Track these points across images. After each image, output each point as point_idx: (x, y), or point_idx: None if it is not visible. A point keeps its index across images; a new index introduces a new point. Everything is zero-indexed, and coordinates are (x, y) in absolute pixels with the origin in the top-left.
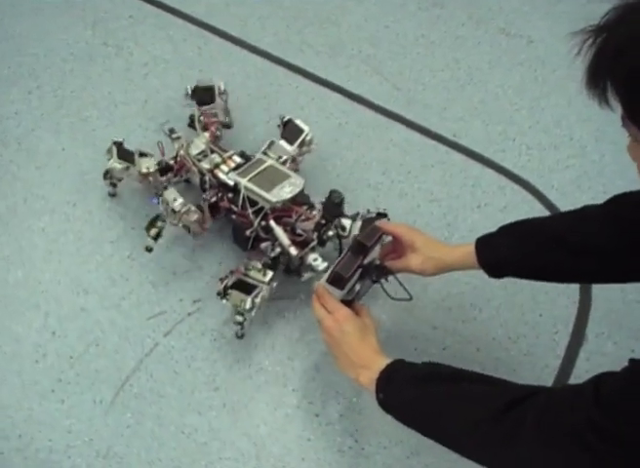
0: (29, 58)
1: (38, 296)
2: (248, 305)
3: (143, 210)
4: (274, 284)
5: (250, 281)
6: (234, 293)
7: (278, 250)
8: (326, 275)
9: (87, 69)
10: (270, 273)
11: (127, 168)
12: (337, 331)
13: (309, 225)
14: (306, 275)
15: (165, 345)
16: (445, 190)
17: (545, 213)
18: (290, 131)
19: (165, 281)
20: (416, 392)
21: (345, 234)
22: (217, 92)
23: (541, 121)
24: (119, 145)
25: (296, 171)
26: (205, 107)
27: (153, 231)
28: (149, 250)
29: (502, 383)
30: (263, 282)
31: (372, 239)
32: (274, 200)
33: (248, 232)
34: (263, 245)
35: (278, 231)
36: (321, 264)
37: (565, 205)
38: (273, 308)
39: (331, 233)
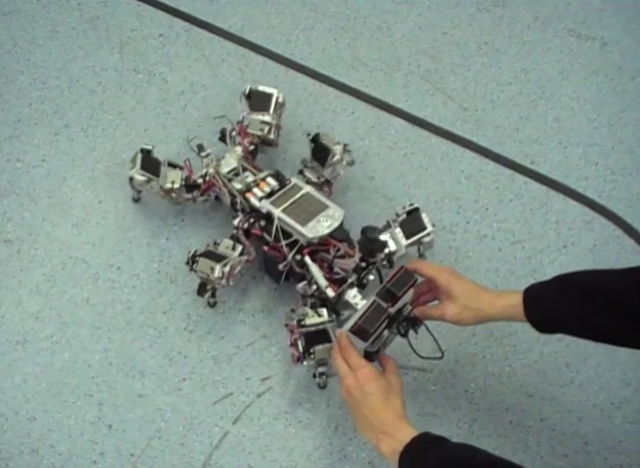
0: (52, 93)
1: (89, 382)
2: None
3: None
4: (334, 315)
5: (316, 329)
6: (319, 349)
7: (314, 287)
8: (349, 322)
9: (118, 102)
10: (324, 310)
11: (148, 180)
12: (358, 392)
13: (349, 263)
14: (346, 313)
15: (235, 434)
16: (527, 229)
17: (639, 250)
18: (318, 148)
19: (228, 356)
20: None
21: (394, 250)
22: (274, 102)
23: (625, 140)
24: (146, 153)
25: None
26: (255, 116)
27: (207, 295)
28: (213, 305)
29: None
30: (325, 322)
31: (403, 287)
32: (310, 236)
33: (281, 266)
34: (300, 286)
35: (314, 270)
36: (360, 302)
37: None
38: None
39: (372, 277)
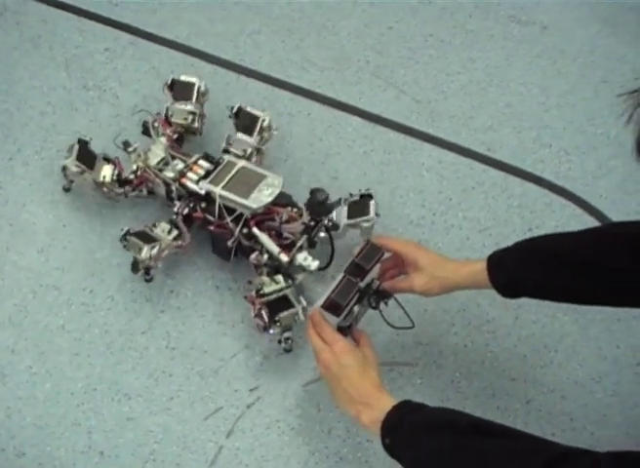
0: (1, 117)
1: (75, 411)
2: (302, 317)
3: (166, 286)
4: (291, 281)
5: (276, 295)
6: (284, 316)
7: (266, 256)
8: (321, 299)
9: (71, 121)
10: (280, 277)
11: (82, 172)
12: (335, 365)
13: (296, 227)
14: (300, 277)
15: (230, 448)
16: (491, 216)
17: None
18: (244, 120)
19: (213, 369)
20: (430, 443)
21: (336, 222)
22: (196, 91)
23: (574, 120)
24: (83, 144)
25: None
26: (178, 105)
27: (140, 272)
28: (149, 280)
29: (531, 439)
30: (283, 287)
31: (371, 261)
32: (254, 206)
33: (229, 243)
34: (252, 257)
35: (264, 239)
36: (312, 263)
37: (617, 215)
38: None
39: (322, 234)
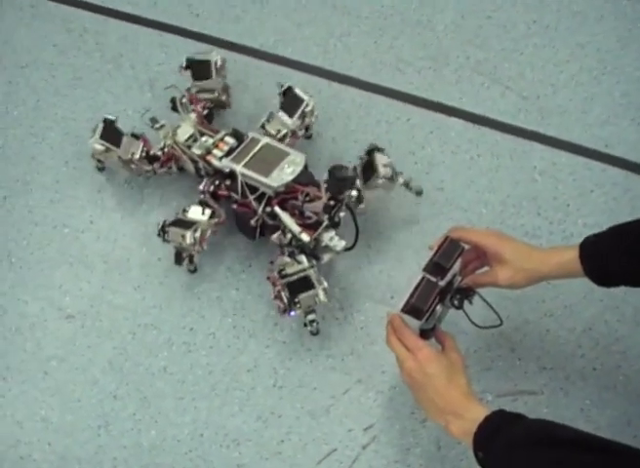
0: (87, 146)
1: (183, 459)
2: (323, 298)
3: (270, 319)
4: (314, 261)
5: (297, 277)
6: (303, 297)
7: (289, 236)
8: (400, 302)
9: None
10: (303, 257)
11: (107, 150)
12: (420, 374)
13: (318, 206)
14: (326, 257)
15: None
16: (614, 220)
17: None
18: (289, 101)
19: (324, 408)
20: (528, 459)
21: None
22: (213, 67)
23: None
24: (109, 124)
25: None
26: (200, 83)
27: (185, 262)
28: (193, 271)
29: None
30: (306, 268)
31: (451, 258)
32: (275, 185)
33: (253, 222)
34: (274, 236)
35: (285, 218)
36: (338, 243)
37: None
38: None
39: (342, 214)
